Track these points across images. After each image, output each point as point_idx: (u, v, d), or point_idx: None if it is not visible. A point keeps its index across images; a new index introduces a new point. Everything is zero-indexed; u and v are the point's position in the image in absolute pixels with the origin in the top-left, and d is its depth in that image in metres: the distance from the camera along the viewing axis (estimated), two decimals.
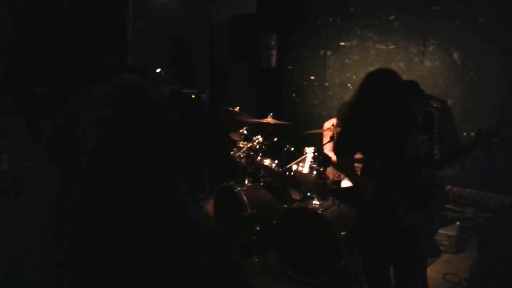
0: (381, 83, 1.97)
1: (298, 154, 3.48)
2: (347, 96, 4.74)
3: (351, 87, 4.87)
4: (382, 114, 1.95)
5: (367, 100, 1.99)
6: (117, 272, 0.66)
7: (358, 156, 2.40)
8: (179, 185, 0.73)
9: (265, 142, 3.70)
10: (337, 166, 3.32)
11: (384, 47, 4.60)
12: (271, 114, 3.83)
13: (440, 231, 3.68)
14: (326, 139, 3.72)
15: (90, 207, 0.66)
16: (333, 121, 3.73)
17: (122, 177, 0.68)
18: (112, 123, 0.69)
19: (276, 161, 3.61)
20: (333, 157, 3.38)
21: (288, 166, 3.43)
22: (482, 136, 1.82)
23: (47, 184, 0.70)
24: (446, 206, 3.80)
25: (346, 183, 3.59)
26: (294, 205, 3.31)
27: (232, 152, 3.81)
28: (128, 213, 0.67)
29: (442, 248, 3.67)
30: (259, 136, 3.74)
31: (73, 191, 0.66)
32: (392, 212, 2.05)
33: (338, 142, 2.44)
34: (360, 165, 2.34)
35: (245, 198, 3.45)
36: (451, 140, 1.97)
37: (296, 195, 3.78)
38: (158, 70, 3.36)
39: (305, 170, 3.35)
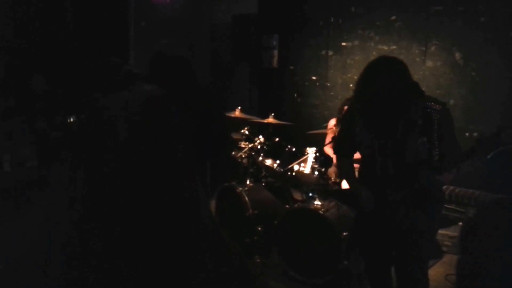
0: (381, 83, 1.92)
1: (300, 154, 3.47)
2: (349, 96, 4.74)
3: (353, 87, 4.85)
4: (381, 116, 1.94)
5: (366, 101, 1.97)
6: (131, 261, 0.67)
7: (357, 156, 2.40)
8: (197, 185, 0.76)
9: (267, 142, 3.70)
10: (337, 166, 3.31)
11: (385, 47, 4.60)
12: (272, 114, 3.83)
13: (443, 232, 3.66)
14: (329, 138, 3.73)
15: (122, 196, 0.68)
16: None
17: (147, 173, 0.70)
18: (140, 126, 0.72)
19: (278, 161, 3.60)
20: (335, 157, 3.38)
21: (289, 166, 3.43)
22: (483, 141, 1.82)
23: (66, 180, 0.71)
24: (449, 206, 3.79)
25: (346, 184, 3.59)
26: (295, 205, 3.31)
27: (233, 153, 3.81)
28: (148, 206, 0.69)
29: (445, 249, 3.65)
30: (260, 136, 3.74)
31: (99, 182, 0.68)
32: (392, 214, 2.05)
33: (337, 142, 2.42)
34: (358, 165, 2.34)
35: (246, 198, 3.45)
36: (449, 142, 1.97)
37: (298, 196, 3.78)
38: None
39: (307, 170, 3.35)
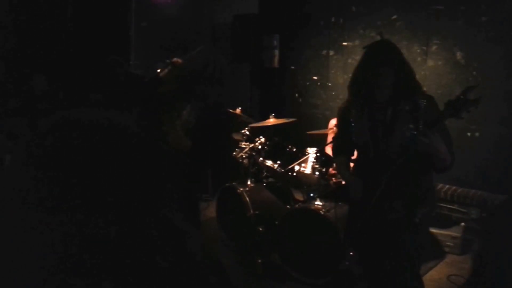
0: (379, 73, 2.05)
1: (301, 154, 3.46)
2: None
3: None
4: (375, 102, 2.07)
5: (362, 86, 2.14)
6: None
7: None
8: (170, 215, 0.68)
9: (267, 143, 3.69)
10: (335, 165, 3.29)
11: None
12: (273, 114, 3.82)
13: (445, 232, 3.65)
14: (330, 138, 3.71)
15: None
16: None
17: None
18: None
19: (279, 162, 3.59)
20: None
21: (290, 167, 3.41)
22: (450, 104, 1.85)
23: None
24: (451, 207, 3.78)
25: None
26: (296, 205, 3.30)
27: (234, 153, 3.80)
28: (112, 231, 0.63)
29: (447, 249, 3.63)
30: (261, 137, 3.73)
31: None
32: (377, 203, 2.01)
33: (336, 142, 2.43)
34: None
35: (247, 199, 3.43)
36: (441, 129, 1.98)
37: (299, 196, 3.77)
38: (158, 71, 3.35)
39: (308, 170, 3.34)
